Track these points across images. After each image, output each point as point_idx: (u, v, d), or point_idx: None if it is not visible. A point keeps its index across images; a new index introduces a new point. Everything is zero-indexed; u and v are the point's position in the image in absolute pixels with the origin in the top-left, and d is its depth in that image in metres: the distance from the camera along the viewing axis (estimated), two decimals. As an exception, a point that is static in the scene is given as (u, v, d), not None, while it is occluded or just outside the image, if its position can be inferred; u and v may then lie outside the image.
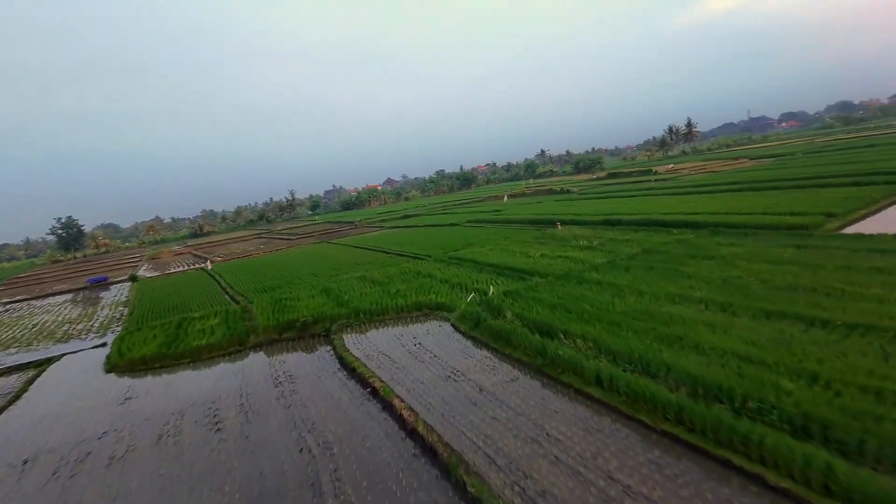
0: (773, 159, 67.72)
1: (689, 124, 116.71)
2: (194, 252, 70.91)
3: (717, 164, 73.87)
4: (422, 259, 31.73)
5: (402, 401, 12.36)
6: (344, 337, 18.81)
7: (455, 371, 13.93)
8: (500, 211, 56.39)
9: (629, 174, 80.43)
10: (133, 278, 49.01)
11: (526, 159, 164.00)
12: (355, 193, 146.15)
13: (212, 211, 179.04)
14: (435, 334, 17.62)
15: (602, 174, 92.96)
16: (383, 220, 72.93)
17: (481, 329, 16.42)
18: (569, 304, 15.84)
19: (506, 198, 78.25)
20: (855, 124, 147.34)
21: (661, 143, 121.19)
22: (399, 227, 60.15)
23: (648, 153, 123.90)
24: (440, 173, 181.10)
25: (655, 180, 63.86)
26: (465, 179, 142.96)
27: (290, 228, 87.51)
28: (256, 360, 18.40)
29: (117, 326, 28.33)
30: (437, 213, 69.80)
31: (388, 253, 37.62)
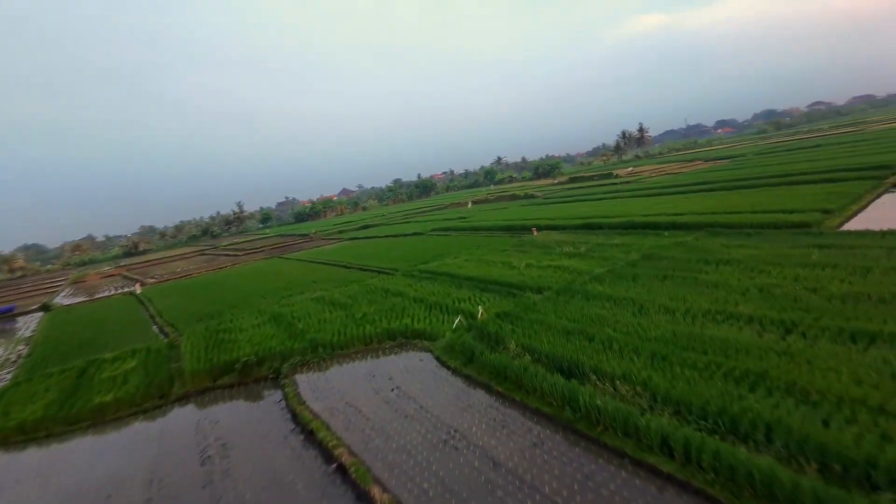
0: (728, 160, 69.11)
1: (640, 129, 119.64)
2: (126, 273, 63.08)
3: (674, 167, 74.74)
4: (388, 274, 27.86)
5: (385, 489, 8.58)
6: (299, 380, 14.70)
7: (452, 431, 10.31)
8: (465, 218, 53.34)
9: (591, 178, 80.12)
10: (45, 307, 41.81)
11: (483, 166, 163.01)
12: (309, 204, 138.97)
13: (151, 227, 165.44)
14: (416, 372, 13.92)
15: (563, 179, 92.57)
16: (341, 232, 68.09)
17: (477, 365, 12.91)
18: (587, 329, 12.63)
19: (469, 204, 75.59)
20: (785, 129, 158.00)
21: (616, 148, 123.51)
22: (358, 238, 55.72)
23: (604, 158, 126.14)
24: (397, 182, 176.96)
25: (621, 183, 63.20)
26: (424, 187, 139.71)
27: (238, 243, 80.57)
28: (180, 421, 13.91)
29: (8, 374, 22.53)
30: (398, 223, 65.86)
31: (348, 268, 33.39)
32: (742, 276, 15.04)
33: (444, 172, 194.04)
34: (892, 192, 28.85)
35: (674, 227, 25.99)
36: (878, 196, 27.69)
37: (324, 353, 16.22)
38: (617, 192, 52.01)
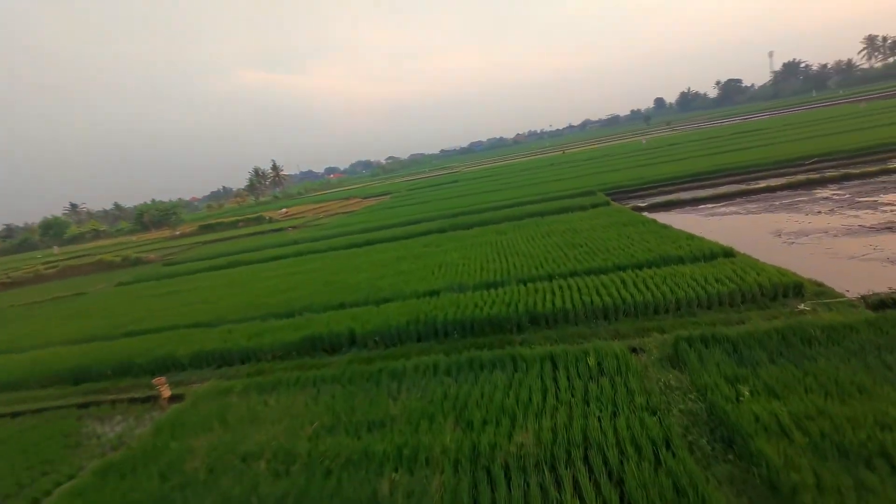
0: (389, 196, 65.30)
1: (274, 167, 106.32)
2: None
3: (335, 205, 65.12)
4: None
5: None
6: None
7: None
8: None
9: (235, 224, 58.98)
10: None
11: (45, 218, 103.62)
12: None
13: None
14: None
15: (188, 229, 66.10)
16: None
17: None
18: None
19: None
20: (389, 172, 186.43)
21: (251, 188, 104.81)
22: None
23: (238, 200, 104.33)
24: None
25: (284, 229, 46.34)
26: None
27: None
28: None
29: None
30: None
31: None
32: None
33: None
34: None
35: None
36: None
37: None
38: (294, 240, 35.29)
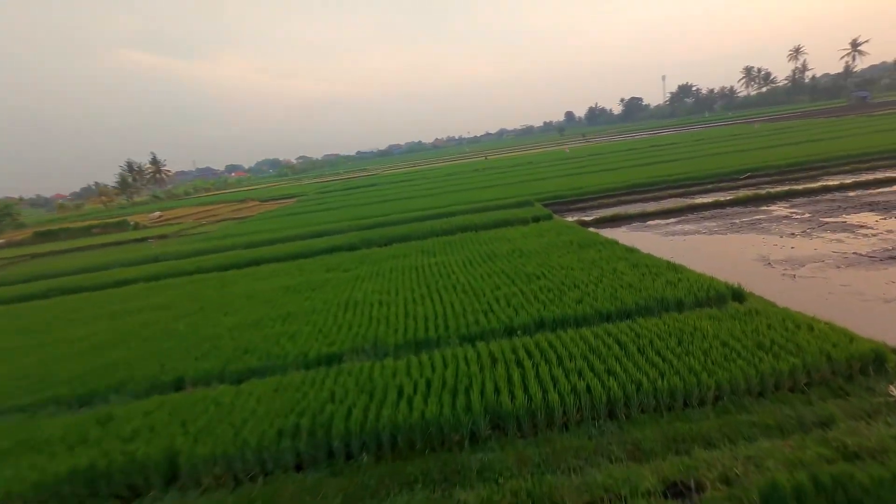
0: (295, 199, 56.88)
1: (155, 161, 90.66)
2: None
3: (225, 209, 55.40)
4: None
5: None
6: None
7: None
8: None
9: (90, 230, 46.94)
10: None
11: None
12: None
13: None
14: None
15: (20, 236, 51.74)
16: None
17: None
18: None
19: None
20: (299, 173, 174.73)
21: (123, 186, 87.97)
22: None
23: (105, 199, 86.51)
24: None
25: (147, 239, 36.76)
26: None
27: None
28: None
29: None
30: None
31: None
32: None
33: None
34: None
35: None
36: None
37: None
38: (139, 262, 27.03)
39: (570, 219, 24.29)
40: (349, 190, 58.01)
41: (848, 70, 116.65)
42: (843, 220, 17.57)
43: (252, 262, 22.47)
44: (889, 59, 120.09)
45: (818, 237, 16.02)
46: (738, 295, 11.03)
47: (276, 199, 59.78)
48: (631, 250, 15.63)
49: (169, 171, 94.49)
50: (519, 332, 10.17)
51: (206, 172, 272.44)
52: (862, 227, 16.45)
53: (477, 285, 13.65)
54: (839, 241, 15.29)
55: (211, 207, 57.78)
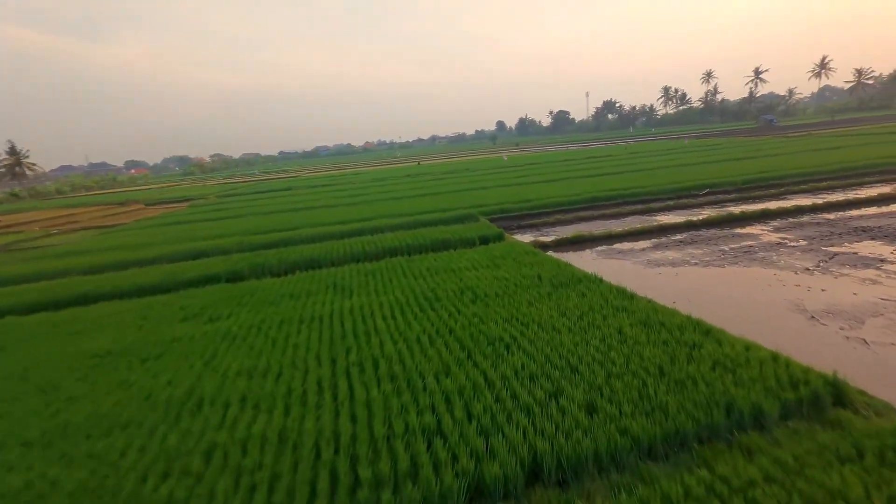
0: (188, 203, 47.35)
1: (13, 152, 73.86)
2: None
3: (96, 213, 44.70)
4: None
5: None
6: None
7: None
8: None
9: None
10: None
11: None
12: None
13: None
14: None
15: None
16: None
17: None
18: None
19: None
20: (209, 172, 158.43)
21: (-32, 180, 70.58)
22: None
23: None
24: None
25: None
26: None
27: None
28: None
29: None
30: None
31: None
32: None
33: None
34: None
35: None
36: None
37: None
38: None
39: (524, 238, 19.84)
40: (258, 194, 49.73)
41: (752, 95, 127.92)
42: (853, 250, 14.64)
43: (79, 299, 15.25)
44: (782, 90, 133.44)
45: (841, 274, 12.73)
46: (839, 397, 6.74)
47: (167, 203, 49.77)
48: (625, 294, 11.20)
49: (33, 164, 76.88)
50: (493, 490, 4.97)
51: (100, 168, 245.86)
52: (882, 260, 13.50)
53: (412, 364, 8.28)
54: (873, 281, 12.03)
55: (75, 211, 46.34)
